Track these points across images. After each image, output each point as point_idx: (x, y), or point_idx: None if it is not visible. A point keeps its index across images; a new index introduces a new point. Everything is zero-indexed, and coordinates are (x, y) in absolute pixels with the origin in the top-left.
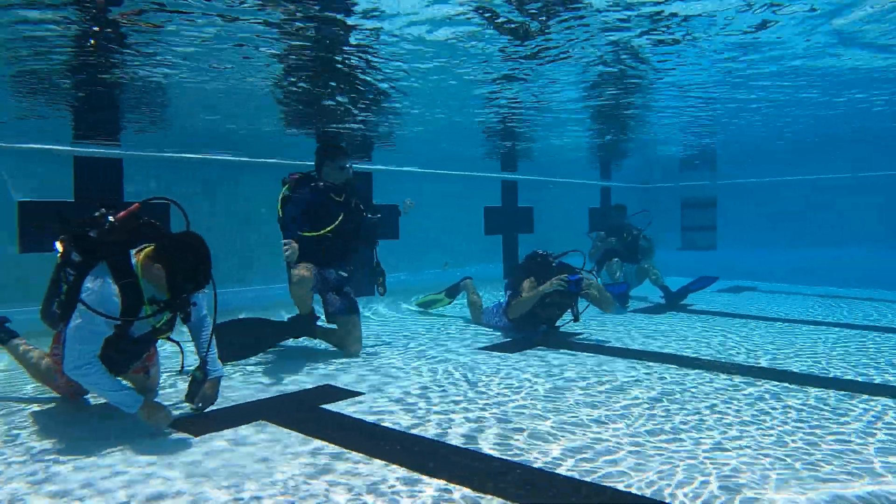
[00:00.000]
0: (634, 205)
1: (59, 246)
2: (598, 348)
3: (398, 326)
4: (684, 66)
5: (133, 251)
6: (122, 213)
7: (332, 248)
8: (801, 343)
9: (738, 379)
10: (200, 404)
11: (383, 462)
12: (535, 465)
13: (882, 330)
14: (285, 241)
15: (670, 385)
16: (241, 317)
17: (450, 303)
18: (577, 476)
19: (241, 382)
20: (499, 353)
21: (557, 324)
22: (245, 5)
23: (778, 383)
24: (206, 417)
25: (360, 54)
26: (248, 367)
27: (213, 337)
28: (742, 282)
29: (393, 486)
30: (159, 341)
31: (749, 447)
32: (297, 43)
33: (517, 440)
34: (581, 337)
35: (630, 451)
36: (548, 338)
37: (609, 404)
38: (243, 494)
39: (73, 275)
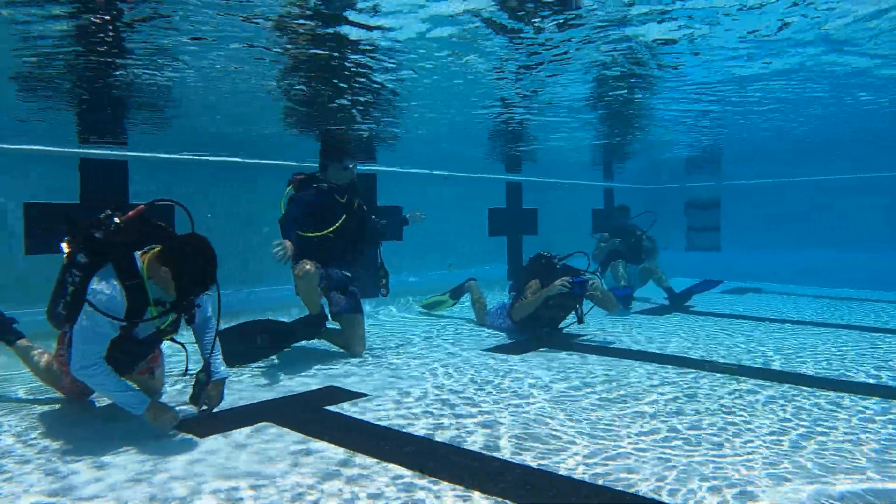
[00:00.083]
0: (638, 206)
1: (64, 247)
2: (604, 350)
3: (403, 327)
4: (693, 67)
5: (138, 253)
6: (127, 215)
7: (334, 248)
8: (811, 343)
9: (748, 382)
10: (205, 407)
11: (389, 464)
12: (553, 470)
13: (891, 332)
14: (276, 241)
15: (678, 386)
16: (250, 319)
17: (454, 304)
18: (587, 479)
19: (246, 383)
20: (504, 355)
21: (561, 325)
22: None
23: (792, 385)
24: (210, 418)
25: (364, 54)
26: (254, 369)
27: (217, 339)
28: (746, 283)
29: (395, 488)
30: (164, 343)
31: (758, 451)
32: (302, 43)
33: (527, 442)
34: (586, 338)
35: (635, 453)
36: (552, 339)
37: (617, 406)
38: (248, 496)
39: (79, 276)
